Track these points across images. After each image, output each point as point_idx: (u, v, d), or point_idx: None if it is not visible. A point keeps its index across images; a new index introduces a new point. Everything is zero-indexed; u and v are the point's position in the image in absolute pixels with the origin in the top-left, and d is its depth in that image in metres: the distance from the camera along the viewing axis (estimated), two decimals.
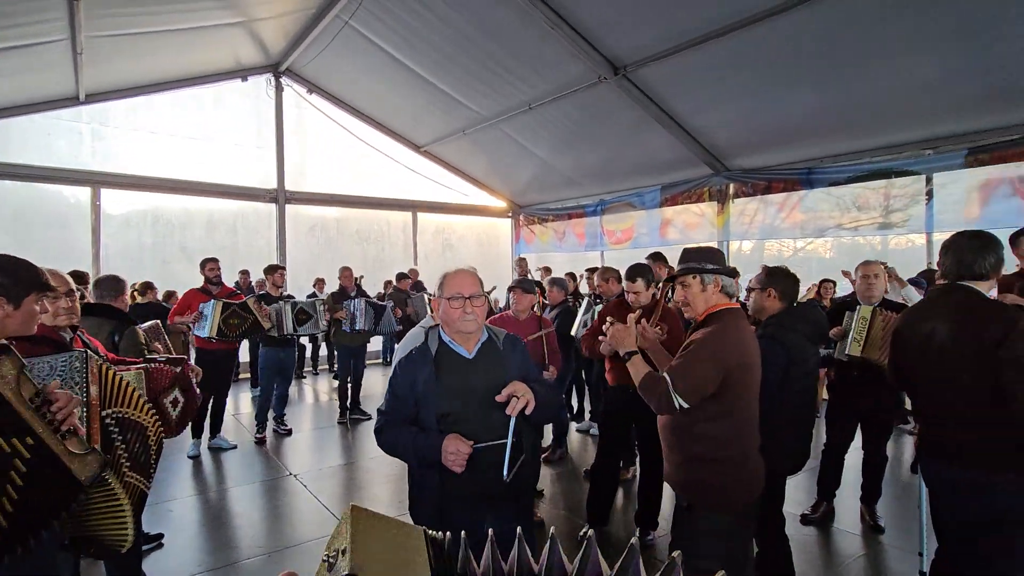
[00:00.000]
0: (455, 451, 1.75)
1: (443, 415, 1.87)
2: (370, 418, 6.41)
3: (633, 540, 0.80)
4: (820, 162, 7.02)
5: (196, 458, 5.02)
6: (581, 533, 3.52)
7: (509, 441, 1.76)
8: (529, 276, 7.24)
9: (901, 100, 5.72)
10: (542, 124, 8.17)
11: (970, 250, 2.03)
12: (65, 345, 2.13)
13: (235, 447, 5.32)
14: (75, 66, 6.48)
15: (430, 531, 0.81)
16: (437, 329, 2.01)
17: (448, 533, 0.84)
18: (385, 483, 4.58)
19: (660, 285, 3.72)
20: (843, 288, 6.54)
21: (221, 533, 3.71)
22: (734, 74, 6.03)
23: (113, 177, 7.86)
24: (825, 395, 4.24)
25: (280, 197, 9.18)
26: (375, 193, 10.30)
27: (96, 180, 7.74)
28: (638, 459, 4.23)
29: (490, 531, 0.85)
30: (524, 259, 7.81)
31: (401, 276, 7.49)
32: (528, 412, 1.80)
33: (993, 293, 2.18)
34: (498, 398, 1.81)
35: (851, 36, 5.04)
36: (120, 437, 1.81)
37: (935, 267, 5.73)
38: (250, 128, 9.03)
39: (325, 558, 0.70)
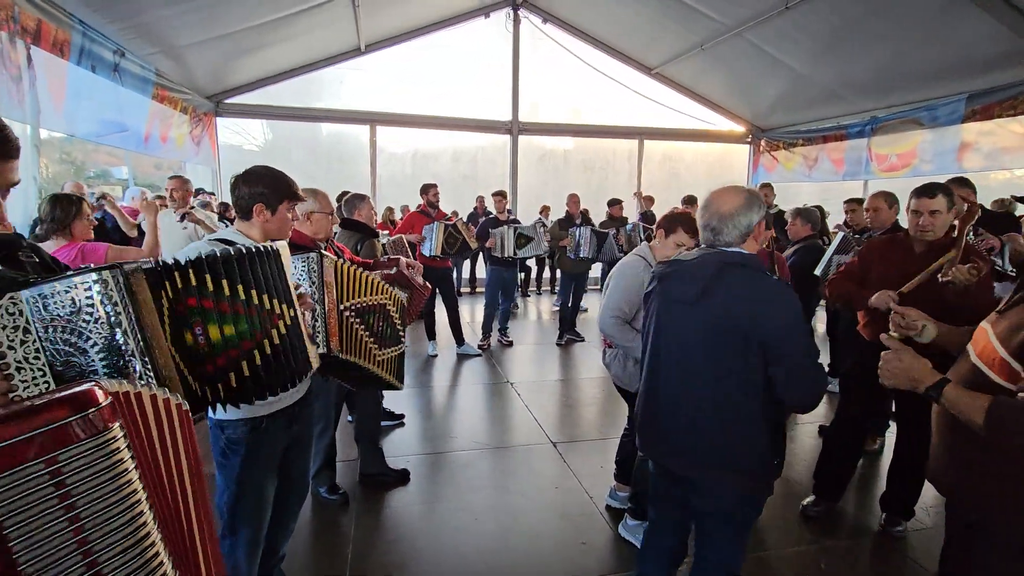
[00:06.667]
0: None
1: None
2: (584, 340, 6.37)
3: None
4: None
5: (435, 357, 5.62)
6: (806, 502, 2.92)
7: None
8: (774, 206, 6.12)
9: None
10: (800, 28, 6.54)
11: None
12: (319, 251, 2.37)
13: (480, 355, 5.68)
14: (355, 20, 7.28)
15: None
16: None
17: None
18: (592, 405, 4.48)
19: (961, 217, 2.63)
20: None
21: (446, 423, 4.07)
22: None
23: (384, 116, 8.93)
24: None
25: (514, 129, 9.36)
26: (602, 121, 9.81)
27: (372, 119, 8.90)
28: (893, 431, 3.32)
29: None
30: (769, 185, 6.57)
31: (613, 202, 7.06)
32: None
33: None
34: None
35: None
36: (362, 324, 1.98)
37: None
38: (490, 64, 9.25)
39: None
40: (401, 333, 2.18)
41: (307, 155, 9.01)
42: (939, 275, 2.27)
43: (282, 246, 1.50)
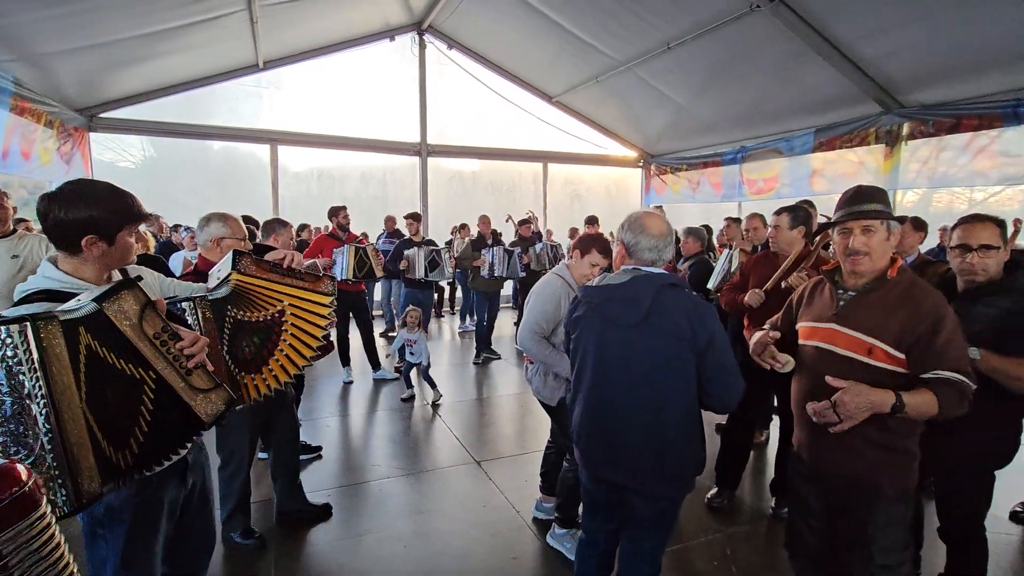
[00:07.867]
0: None
1: None
2: (500, 358, 6.46)
3: None
4: None
5: (350, 384, 5.41)
6: (709, 495, 3.19)
7: None
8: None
9: None
10: (680, 65, 7.27)
11: None
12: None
13: (396, 379, 5.54)
14: (253, 36, 6.95)
15: None
16: None
17: None
18: (512, 421, 4.56)
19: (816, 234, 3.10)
20: None
21: (367, 452, 3.94)
22: None
23: (287, 135, 8.53)
24: None
25: (423, 150, 9.37)
26: (508, 145, 10.13)
27: (274, 138, 8.47)
28: (776, 424, 3.74)
29: None
30: (660, 207, 7.19)
31: (523, 222, 7.34)
32: None
33: None
34: None
35: None
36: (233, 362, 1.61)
37: None
38: (397, 86, 9.21)
39: None
40: (274, 315, 1.64)
41: (196, 174, 8.35)
42: (782, 282, 2.76)
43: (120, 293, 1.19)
